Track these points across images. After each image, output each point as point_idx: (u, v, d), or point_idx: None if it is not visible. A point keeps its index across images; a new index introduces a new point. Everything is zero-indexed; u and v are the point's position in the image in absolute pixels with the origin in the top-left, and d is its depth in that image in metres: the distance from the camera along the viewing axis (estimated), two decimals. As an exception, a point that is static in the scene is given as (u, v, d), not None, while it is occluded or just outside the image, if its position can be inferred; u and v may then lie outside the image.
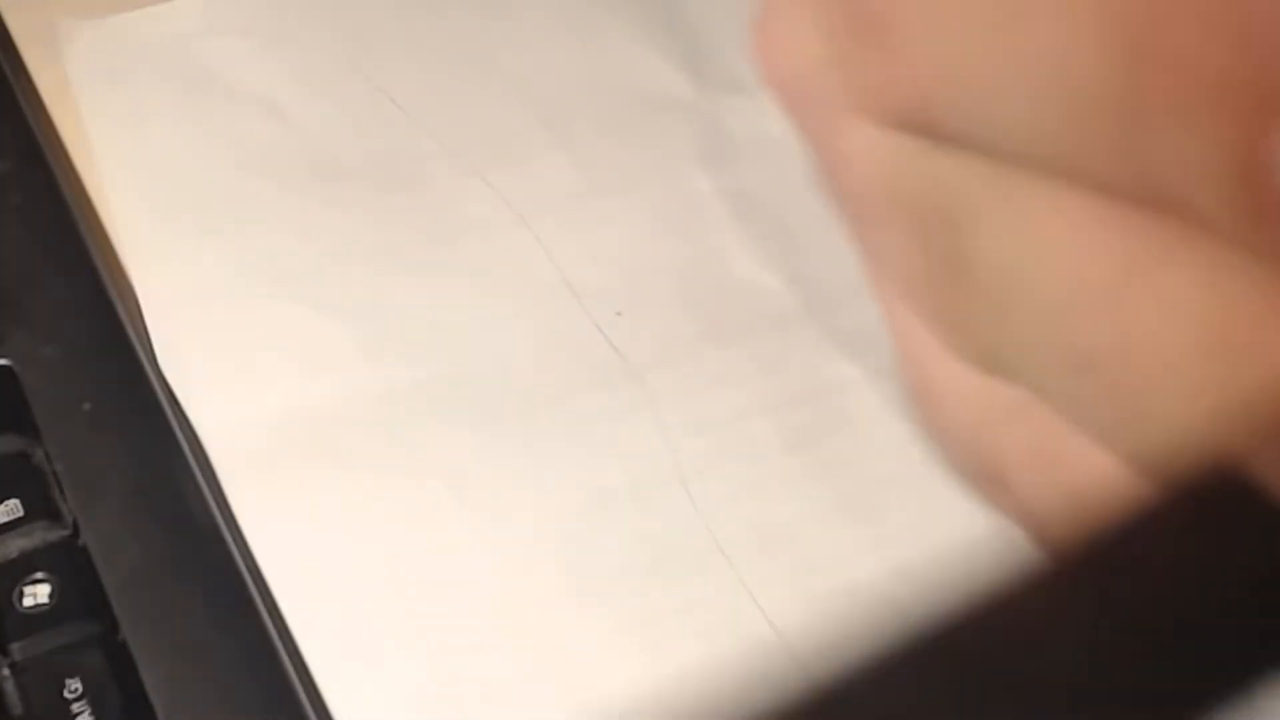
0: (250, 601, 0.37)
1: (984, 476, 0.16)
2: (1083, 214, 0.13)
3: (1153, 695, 0.08)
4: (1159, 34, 0.11)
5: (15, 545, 0.37)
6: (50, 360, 0.42)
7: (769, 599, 0.37)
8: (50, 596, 0.36)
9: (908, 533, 0.38)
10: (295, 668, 0.35)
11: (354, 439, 0.40)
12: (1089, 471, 0.14)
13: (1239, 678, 0.09)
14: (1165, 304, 0.12)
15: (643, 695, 0.35)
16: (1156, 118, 0.12)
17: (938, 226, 0.14)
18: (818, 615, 0.37)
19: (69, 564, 0.37)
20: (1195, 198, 0.12)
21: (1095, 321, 0.13)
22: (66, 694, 0.34)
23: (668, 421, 0.40)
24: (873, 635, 0.08)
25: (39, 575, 0.37)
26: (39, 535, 0.38)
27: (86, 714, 0.34)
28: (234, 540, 0.38)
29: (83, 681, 0.35)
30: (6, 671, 0.35)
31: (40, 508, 0.38)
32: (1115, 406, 0.13)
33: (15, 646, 0.35)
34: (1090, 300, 0.13)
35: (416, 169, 0.47)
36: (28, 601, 0.36)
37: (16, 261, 0.45)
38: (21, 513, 0.38)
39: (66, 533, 0.38)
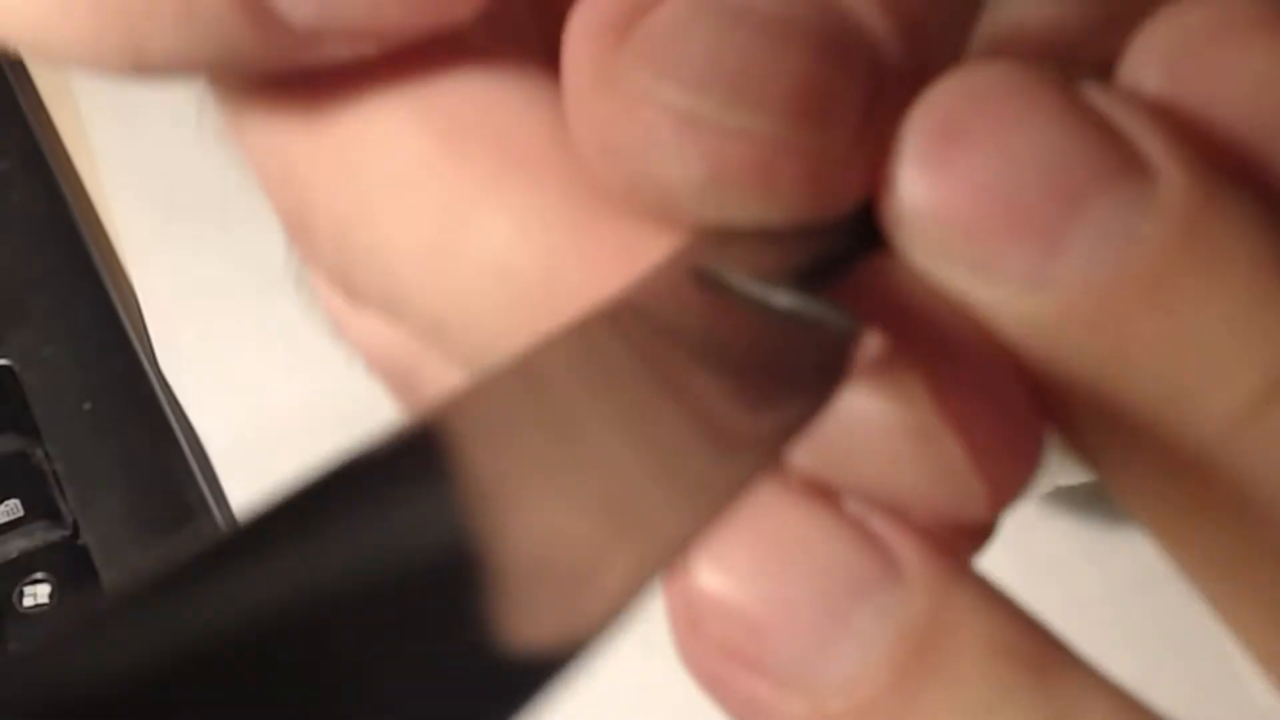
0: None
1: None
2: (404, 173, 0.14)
3: None
4: None
5: (15, 545, 0.37)
6: (50, 360, 0.42)
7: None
8: (50, 596, 0.36)
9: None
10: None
11: (353, 438, 0.40)
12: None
13: None
14: (488, 259, 0.13)
15: (639, 694, 0.35)
16: None
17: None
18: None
19: (69, 564, 0.37)
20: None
21: (428, 287, 0.14)
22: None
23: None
24: None
25: (39, 575, 0.37)
26: (39, 535, 0.38)
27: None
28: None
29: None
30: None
31: (40, 508, 0.38)
32: (468, 357, 0.14)
33: (15, 647, 0.35)
34: (419, 267, 0.14)
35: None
36: (28, 601, 0.36)
37: (16, 261, 0.45)
38: (21, 513, 0.38)
39: (66, 533, 0.38)
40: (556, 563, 0.09)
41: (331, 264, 0.15)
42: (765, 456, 0.11)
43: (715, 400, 0.11)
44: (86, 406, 0.40)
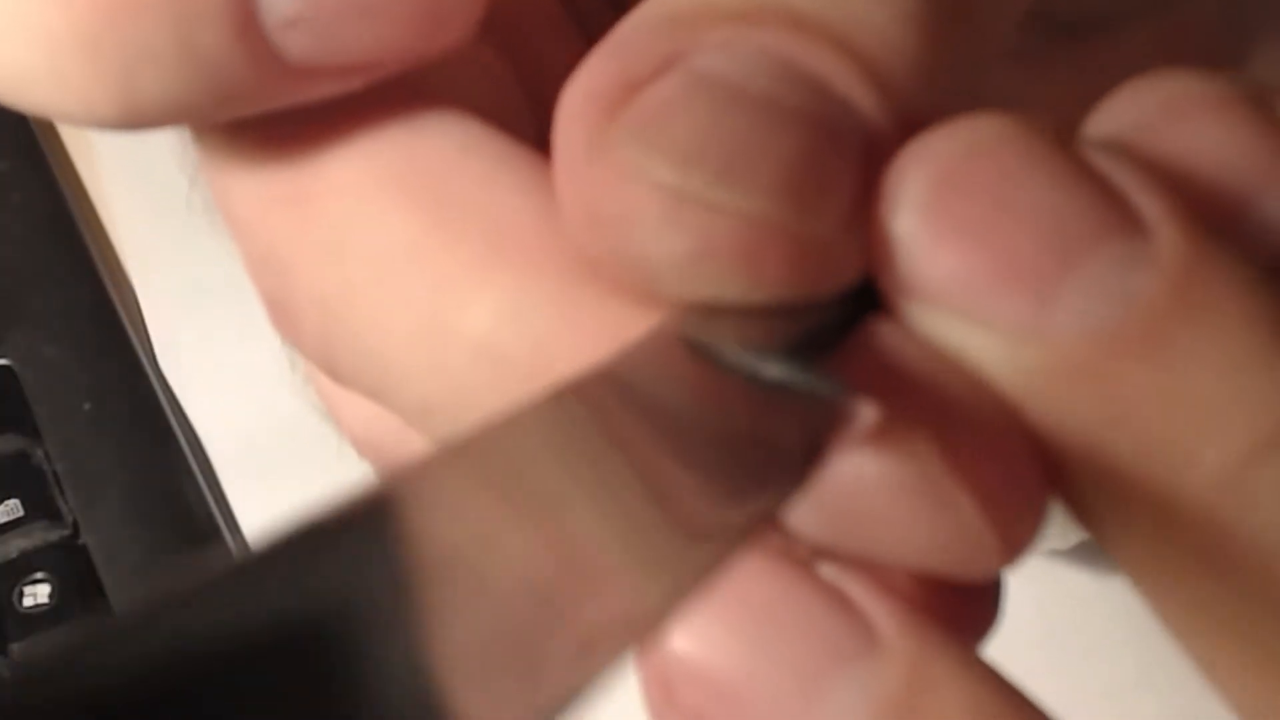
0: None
1: None
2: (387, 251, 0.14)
3: None
4: None
5: (15, 545, 0.37)
6: (50, 360, 0.42)
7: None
8: (50, 596, 0.36)
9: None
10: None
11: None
12: None
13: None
14: (476, 341, 0.13)
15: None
16: None
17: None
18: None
19: (69, 564, 0.37)
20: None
21: (416, 371, 0.14)
22: (66, 694, 0.34)
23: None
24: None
25: (39, 575, 0.37)
26: (39, 535, 0.38)
27: (86, 714, 0.34)
28: (234, 540, 0.38)
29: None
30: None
31: (40, 508, 0.38)
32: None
33: (15, 647, 0.36)
34: (406, 353, 0.14)
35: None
36: (28, 601, 0.36)
37: (16, 261, 0.45)
38: (21, 513, 0.38)
39: (66, 533, 0.38)
40: (507, 644, 0.09)
41: (315, 347, 0.15)
42: (736, 541, 0.11)
43: (689, 483, 0.11)
44: (86, 406, 0.40)
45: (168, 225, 0.46)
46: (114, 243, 0.45)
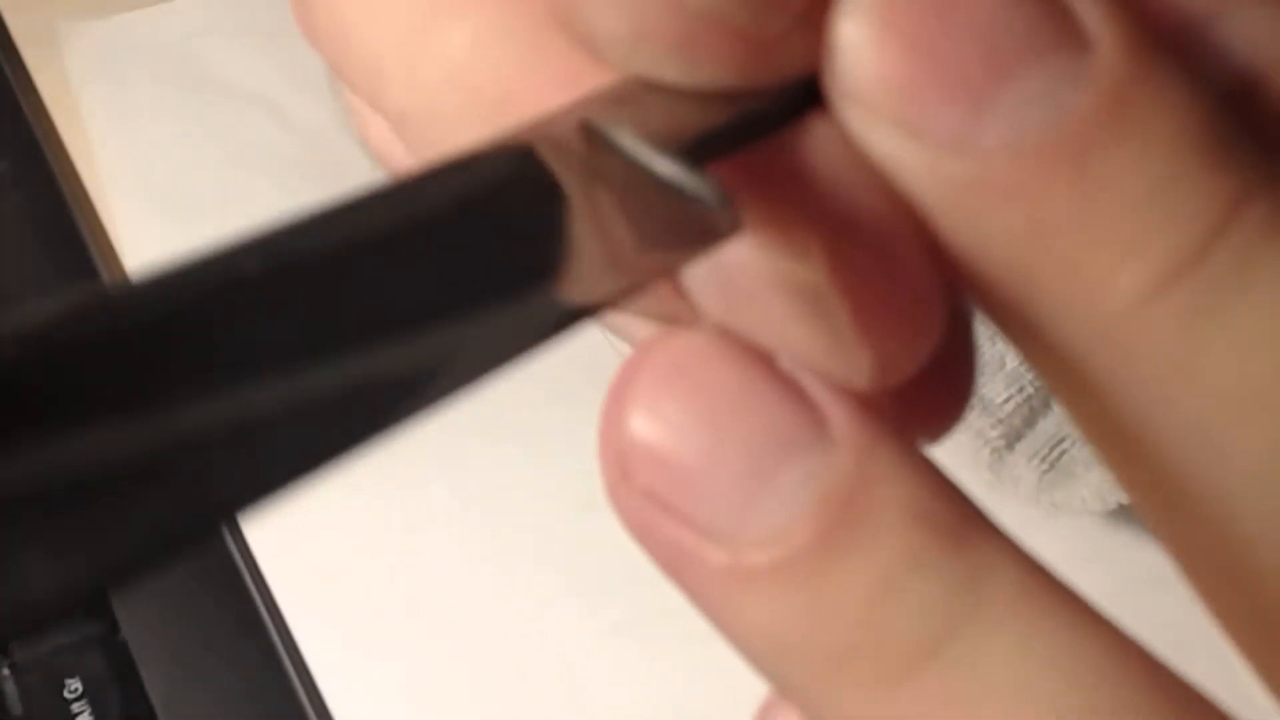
0: (250, 602, 0.37)
1: None
2: None
3: None
4: None
5: (15, 545, 0.37)
6: (50, 360, 0.42)
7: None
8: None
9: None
10: (295, 667, 0.36)
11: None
12: None
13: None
14: (449, 64, 0.14)
15: (637, 695, 0.35)
16: None
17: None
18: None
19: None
20: None
21: (399, 80, 0.14)
22: (66, 694, 0.34)
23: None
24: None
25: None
26: (39, 535, 0.38)
27: (86, 714, 0.34)
28: (234, 541, 0.38)
29: (83, 681, 0.35)
30: (6, 671, 0.35)
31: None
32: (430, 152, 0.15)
33: (15, 646, 0.36)
34: (393, 60, 0.15)
35: (416, 169, 0.47)
36: (28, 601, 0.36)
37: (17, 261, 0.45)
38: (21, 513, 0.38)
39: (66, 533, 0.38)
40: None
41: (327, 47, 0.16)
42: (633, 285, 0.12)
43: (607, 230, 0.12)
44: (86, 406, 0.40)
45: (168, 225, 0.46)
46: (114, 243, 0.45)
